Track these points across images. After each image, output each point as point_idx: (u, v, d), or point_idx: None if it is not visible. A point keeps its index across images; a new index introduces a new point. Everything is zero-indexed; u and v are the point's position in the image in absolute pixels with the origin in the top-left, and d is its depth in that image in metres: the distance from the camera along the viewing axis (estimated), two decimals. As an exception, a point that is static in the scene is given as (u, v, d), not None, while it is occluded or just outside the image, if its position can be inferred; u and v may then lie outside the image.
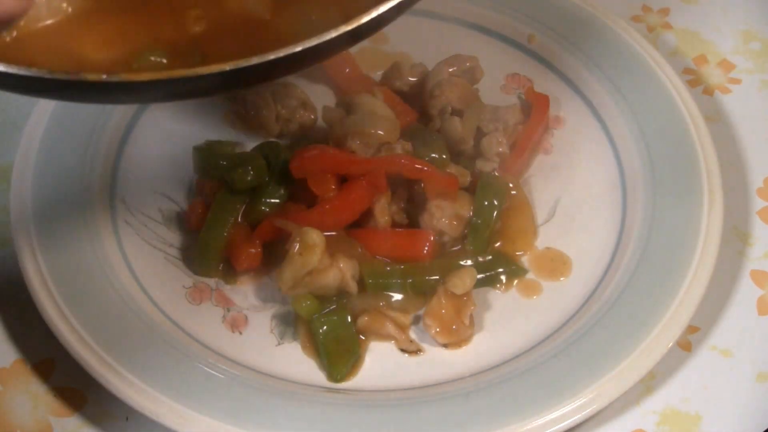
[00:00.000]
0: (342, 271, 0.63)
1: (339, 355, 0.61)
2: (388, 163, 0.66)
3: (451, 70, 0.74)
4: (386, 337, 0.63)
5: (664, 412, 0.61)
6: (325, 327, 0.62)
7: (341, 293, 0.64)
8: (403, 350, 0.63)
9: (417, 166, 0.66)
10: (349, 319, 0.63)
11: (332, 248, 0.63)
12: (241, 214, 0.67)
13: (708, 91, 0.80)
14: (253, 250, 0.66)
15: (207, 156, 0.70)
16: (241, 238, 0.66)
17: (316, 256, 0.62)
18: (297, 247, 0.62)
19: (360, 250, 0.65)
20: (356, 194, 0.66)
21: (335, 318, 0.63)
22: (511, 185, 0.70)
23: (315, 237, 0.62)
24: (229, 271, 0.67)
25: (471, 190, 0.69)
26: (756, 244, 0.70)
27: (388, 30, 0.81)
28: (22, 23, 0.44)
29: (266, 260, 0.66)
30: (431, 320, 0.63)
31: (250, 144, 0.74)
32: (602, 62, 0.76)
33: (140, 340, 0.60)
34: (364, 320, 0.63)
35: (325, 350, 0.62)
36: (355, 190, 0.66)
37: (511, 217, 0.69)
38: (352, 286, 0.63)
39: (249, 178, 0.66)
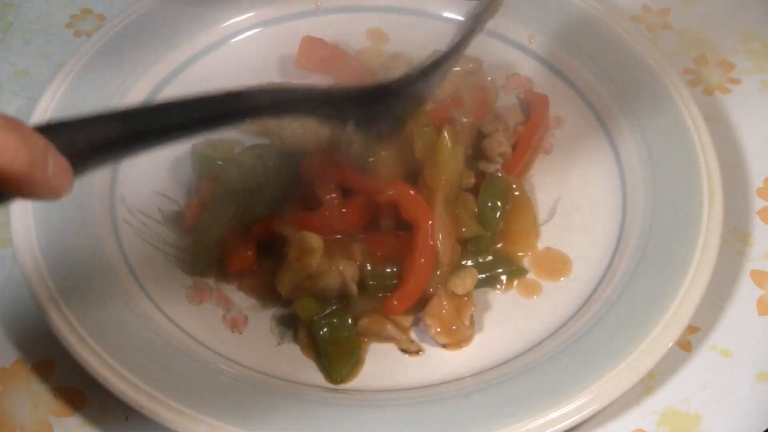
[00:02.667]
0: (342, 274, 0.62)
1: (339, 357, 0.61)
2: (393, 192, 0.64)
3: (454, 70, 0.74)
4: (387, 338, 0.63)
5: (664, 412, 0.61)
6: (325, 329, 0.62)
7: (342, 295, 0.64)
8: (403, 351, 0.63)
9: (416, 203, 0.64)
10: (350, 321, 0.63)
11: (331, 250, 0.63)
12: (236, 216, 0.67)
13: (708, 91, 0.80)
14: (245, 253, 0.66)
15: (204, 155, 0.70)
16: (234, 239, 0.66)
17: (314, 260, 0.61)
18: (296, 251, 0.62)
19: (360, 251, 0.65)
20: (358, 209, 0.65)
21: (335, 320, 0.63)
22: (514, 186, 0.70)
23: (313, 241, 0.62)
24: (224, 272, 0.67)
25: (475, 191, 0.69)
26: (756, 244, 0.70)
27: (388, 30, 0.82)
28: None
29: (266, 260, 0.66)
30: (431, 320, 0.63)
31: (248, 142, 0.74)
32: (602, 62, 0.76)
33: (140, 339, 0.59)
34: (364, 322, 0.63)
35: (325, 352, 0.61)
36: (357, 205, 0.65)
37: (513, 218, 0.69)
38: (352, 288, 0.63)
39: (245, 179, 0.66)
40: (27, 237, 0.63)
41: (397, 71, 0.75)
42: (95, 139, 0.40)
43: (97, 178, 0.68)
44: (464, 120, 0.69)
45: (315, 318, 0.62)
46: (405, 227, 0.65)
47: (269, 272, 0.65)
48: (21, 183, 0.35)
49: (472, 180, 0.68)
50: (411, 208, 0.63)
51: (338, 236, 0.65)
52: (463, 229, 0.66)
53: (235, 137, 0.74)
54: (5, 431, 0.59)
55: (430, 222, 0.63)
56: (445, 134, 0.64)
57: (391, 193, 0.64)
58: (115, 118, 0.41)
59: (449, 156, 0.64)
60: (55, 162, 0.36)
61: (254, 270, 0.66)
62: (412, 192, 0.64)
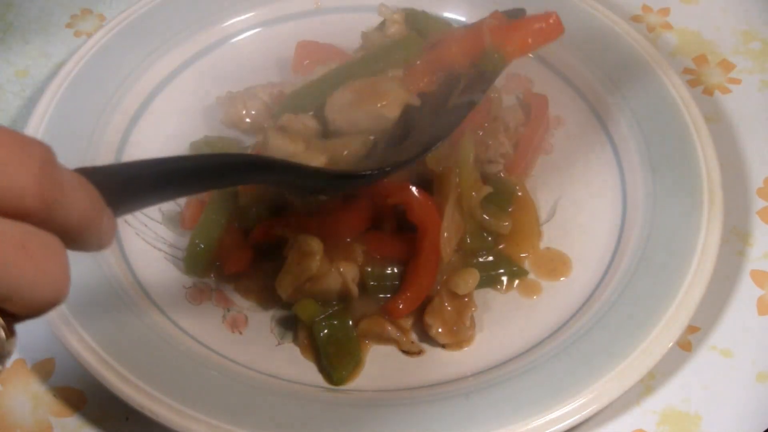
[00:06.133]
0: (342, 276, 0.62)
1: (339, 359, 0.61)
2: (403, 195, 0.64)
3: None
4: (387, 340, 0.63)
5: (664, 412, 0.61)
6: (325, 330, 0.62)
7: (342, 296, 0.64)
8: (404, 352, 0.63)
9: (425, 207, 0.64)
10: (350, 323, 0.63)
11: (332, 252, 0.63)
12: (235, 217, 0.67)
13: (708, 91, 0.80)
14: (242, 254, 0.65)
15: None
16: (231, 240, 0.66)
17: (315, 263, 0.61)
18: (295, 254, 0.62)
19: (361, 252, 0.65)
20: (359, 212, 0.65)
21: (336, 322, 0.62)
22: (517, 187, 0.70)
23: (313, 244, 0.62)
24: (221, 274, 0.66)
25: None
26: (756, 244, 0.70)
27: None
28: None
29: (264, 262, 0.66)
30: (432, 320, 0.63)
31: (248, 142, 0.74)
32: (602, 62, 0.76)
33: (140, 340, 0.59)
34: (365, 324, 0.63)
35: (325, 353, 0.61)
36: (358, 209, 0.65)
37: (516, 219, 0.69)
38: (353, 290, 0.63)
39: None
40: (27, 237, 0.63)
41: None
42: (128, 188, 0.40)
43: (97, 178, 0.68)
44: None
45: (315, 319, 0.62)
46: (406, 228, 0.65)
47: (267, 274, 0.65)
48: (81, 235, 0.35)
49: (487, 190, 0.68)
50: (420, 213, 0.63)
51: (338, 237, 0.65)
52: (468, 240, 0.66)
53: (235, 137, 0.74)
54: (5, 431, 0.59)
55: (438, 227, 0.63)
56: (468, 141, 0.65)
57: (400, 196, 0.64)
58: (143, 167, 0.42)
59: (470, 162, 0.65)
60: (108, 215, 0.37)
61: (251, 272, 0.66)
62: (421, 196, 0.63)
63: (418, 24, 0.73)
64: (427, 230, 0.63)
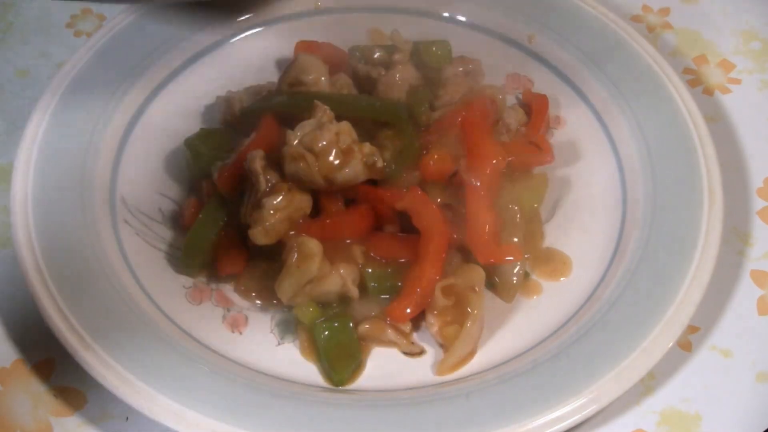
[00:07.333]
0: (343, 277, 0.62)
1: (340, 360, 0.61)
2: (411, 200, 0.64)
3: (455, 71, 0.74)
4: (388, 343, 0.63)
5: (664, 412, 0.61)
6: (326, 332, 0.62)
7: (343, 299, 0.64)
8: (406, 353, 0.63)
9: (431, 213, 0.64)
10: (351, 325, 0.63)
11: (332, 254, 0.63)
12: (232, 218, 0.67)
13: (708, 91, 0.80)
14: (236, 255, 0.65)
15: (198, 152, 0.69)
16: (227, 241, 0.66)
17: (314, 265, 0.61)
18: (295, 257, 0.62)
19: (361, 253, 0.65)
20: (359, 219, 0.65)
21: (336, 324, 0.62)
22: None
23: (312, 246, 0.61)
24: (216, 274, 0.66)
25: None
26: (756, 244, 0.70)
27: (388, 30, 0.82)
28: None
29: (263, 263, 0.66)
30: (434, 319, 0.63)
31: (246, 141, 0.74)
32: (602, 62, 0.76)
33: (140, 340, 0.59)
34: (365, 327, 0.63)
35: (326, 355, 0.61)
36: (359, 215, 0.65)
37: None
38: (354, 291, 0.63)
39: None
40: (27, 237, 0.63)
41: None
42: None
43: (97, 178, 0.68)
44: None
45: (316, 322, 0.62)
46: (406, 230, 0.65)
47: (266, 275, 0.65)
48: None
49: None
50: (426, 218, 0.63)
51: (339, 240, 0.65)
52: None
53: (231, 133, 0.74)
54: (5, 431, 0.59)
55: (444, 233, 0.63)
56: None
57: (408, 201, 0.63)
58: None
59: None
60: None
61: (249, 272, 0.66)
62: (427, 202, 0.63)
63: (422, 56, 0.74)
64: (432, 236, 0.63)
